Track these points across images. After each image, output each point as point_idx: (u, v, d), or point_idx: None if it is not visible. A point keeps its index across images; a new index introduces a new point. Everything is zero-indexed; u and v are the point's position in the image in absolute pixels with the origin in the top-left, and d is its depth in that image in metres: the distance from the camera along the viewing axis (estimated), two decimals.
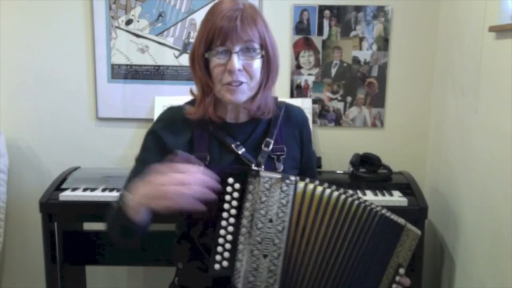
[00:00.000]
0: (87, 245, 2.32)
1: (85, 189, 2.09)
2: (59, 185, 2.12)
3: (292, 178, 1.19)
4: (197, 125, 1.30)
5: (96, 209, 2.03)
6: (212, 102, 1.27)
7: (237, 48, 1.20)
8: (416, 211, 1.97)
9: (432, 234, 2.30)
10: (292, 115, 1.39)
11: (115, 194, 2.04)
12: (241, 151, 1.28)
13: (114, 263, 2.45)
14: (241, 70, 1.22)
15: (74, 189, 2.09)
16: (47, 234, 2.07)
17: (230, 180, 1.18)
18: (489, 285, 1.70)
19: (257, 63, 1.24)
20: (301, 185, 1.19)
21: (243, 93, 1.24)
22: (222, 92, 1.25)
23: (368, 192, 2.07)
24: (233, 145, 1.28)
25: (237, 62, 1.20)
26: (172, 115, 1.32)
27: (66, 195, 2.05)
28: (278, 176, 1.19)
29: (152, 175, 1.08)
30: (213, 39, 1.21)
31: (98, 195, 2.04)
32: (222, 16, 1.20)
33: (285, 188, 1.18)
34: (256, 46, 1.23)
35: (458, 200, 2.01)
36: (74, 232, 2.31)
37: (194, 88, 1.34)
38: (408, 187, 2.10)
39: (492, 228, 1.69)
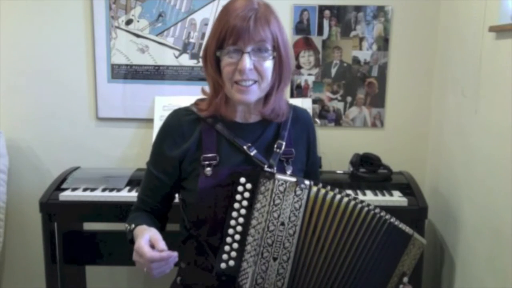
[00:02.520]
0: (87, 245, 2.32)
1: (85, 189, 2.09)
2: (59, 185, 2.12)
3: (307, 182, 1.20)
4: (205, 125, 1.30)
5: (96, 209, 2.03)
6: (223, 100, 1.27)
7: (249, 48, 1.19)
8: (416, 211, 1.97)
9: (432, 234, 2.30)
10: (299, 117, 1.38)
11: (115, 194, 2.04)
12: (253, 152, 1.27)
13: (114, 263, 2.44)
14: (252, 69, 1.21)
15: (74, 189, 2.09)
16: (47, 234, 2.07)
17: (242, 180, 1.19)
18: (489, 285, 1.70)
19: (268, 64, 1.23)
20: (314, 189, 1.20)
21: (253, 94, 1.24)
22: (232, 92, 1.24)
23: (368, 192, 2.07)
24: (245, 147, 1.27)
25: (248, 62, 1.19)
26: (178, 120, 1.32)
27: (66, 195, 2.04)
28: (293, 179, 1.19)
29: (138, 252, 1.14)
30: (225, 38, 1.20)
31: (98, 195, 2.04)
32: (236, 15, 1.19)
33: (299, 192, 1.19)
34: (268, 47, 1.22)
35: (458, 200, 2.01)
36: (74, 232, 2.30)
37: (206, 87, 1.34)
38: (408, 187, 2.09)
39: (492, 228, 1.69)
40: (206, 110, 1.29)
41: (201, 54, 1.32)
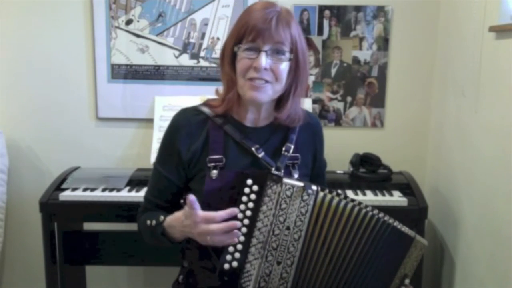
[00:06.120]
0: (87, 245, 2.32)
1: (85, 189, 2.09)
2: (59, 185, 2.12)
3: (314, 187, 1.19)
4: (212, 126, 1.29)
5: (96, 209, 2.03)
6: (235, 98, 1.27)
7: (266, 47, 1.20)
8: (416, 211, 1.97)
9: (432, 234, 2.30)
10: (309, 123, 1.38)
11: (115, 194, 2.04)
12: (261, 154, 1.27)
13: (114, 263, 2.45)
14: (267, 69, 1.21)
15: (74, 189, 2.09)
16: (47, 234, 2.07)
17: (249, 181, 1.18)
18: (489, 285, 1.70)
19: (284, 66, 1.23)
20: (321, 195, 1.20)
21: (266, 93, 1.23)
22: (244, 88, 1.24)
23: (368, 192, 2.07)
24: (253, 148, 1.27)
25: (264, 60, 1.19)
26: (186, 119, 1.31)
27: (66, 195, 2.04)
28: (301, 184, 1.19)
29: (192, 222, 1.16)
30: (244, 35, 1.20)
31: (98, 195, 2.04)
32: (257, 15, 1.20)
33: (306, 197, 1.18)
34: (286, 49, 1.22)
35: (458, 200, 2.01)
36: (74, 232, 2.31)
37: (220, 88, 1.34)
38: (408, 187, 2.09)
39: (492, 228, 1.69)
40: (219, 107, 1.28)
41: (219, 54, 1.32)
